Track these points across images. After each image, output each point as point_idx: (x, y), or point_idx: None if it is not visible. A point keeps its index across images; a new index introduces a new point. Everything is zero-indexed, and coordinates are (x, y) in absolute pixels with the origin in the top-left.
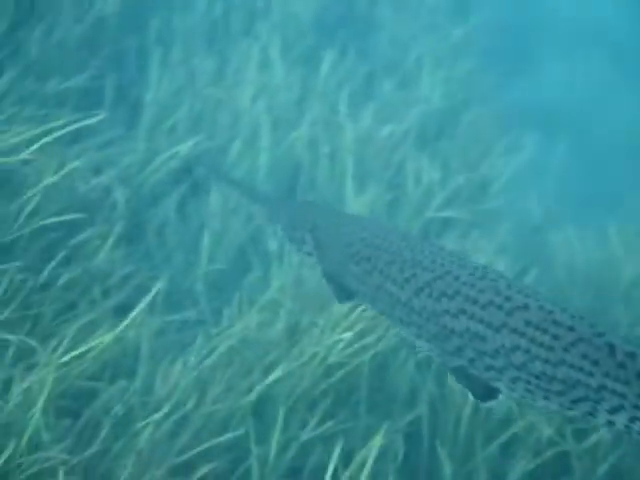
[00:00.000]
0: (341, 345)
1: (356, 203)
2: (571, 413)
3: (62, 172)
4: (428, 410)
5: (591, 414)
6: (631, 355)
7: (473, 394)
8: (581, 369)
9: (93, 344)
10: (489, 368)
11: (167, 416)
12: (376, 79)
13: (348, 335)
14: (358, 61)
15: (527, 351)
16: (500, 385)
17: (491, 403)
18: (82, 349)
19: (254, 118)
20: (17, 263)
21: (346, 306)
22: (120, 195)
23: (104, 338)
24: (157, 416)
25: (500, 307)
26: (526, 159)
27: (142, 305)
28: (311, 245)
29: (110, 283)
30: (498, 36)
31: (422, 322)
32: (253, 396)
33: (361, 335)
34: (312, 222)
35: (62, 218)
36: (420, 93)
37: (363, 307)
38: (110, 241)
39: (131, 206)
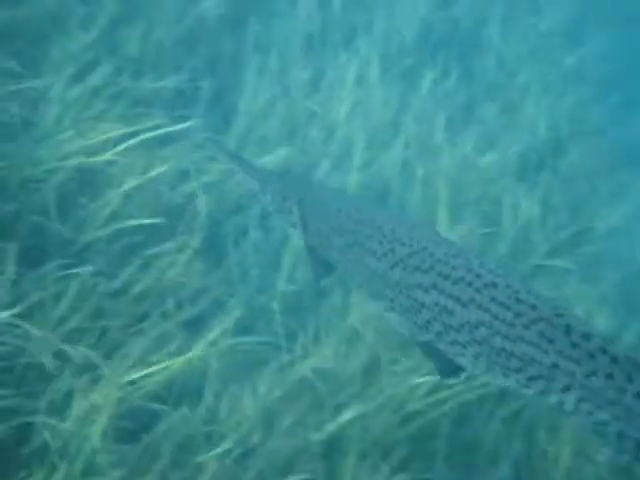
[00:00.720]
0: (422, 390)
1: (449, 233)
2: (527, 391)
3: (147, 175)
4: (512, 471)
5: (544, 393)
6: (586, 336)
7: (438, 369)
8: (538, 346)
9: (162, 366)
10: (454, 342)
11: (231, 450)
12: (477, 103)
13: (430, 380)
14: (460, 83)
15: (490, 327)
16: (463, 360)
17: (452, 380)
18: (150, 370)
19: (347, 135)
20: (90, 267)
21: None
22: (203, 204)
23: (174, 361)
24: (220, 449)
25: (470, 284)
26: (636, 202)
27: (218, 330)
28: (297, 216)
29: (184, 295)
30: (614, 66)
31: (395, 295)
32: (323, 435)
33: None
34: (300, 194)
35: (141, 222)
36: (524, 121)
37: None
38: (188, 252)
39: (213, 215)
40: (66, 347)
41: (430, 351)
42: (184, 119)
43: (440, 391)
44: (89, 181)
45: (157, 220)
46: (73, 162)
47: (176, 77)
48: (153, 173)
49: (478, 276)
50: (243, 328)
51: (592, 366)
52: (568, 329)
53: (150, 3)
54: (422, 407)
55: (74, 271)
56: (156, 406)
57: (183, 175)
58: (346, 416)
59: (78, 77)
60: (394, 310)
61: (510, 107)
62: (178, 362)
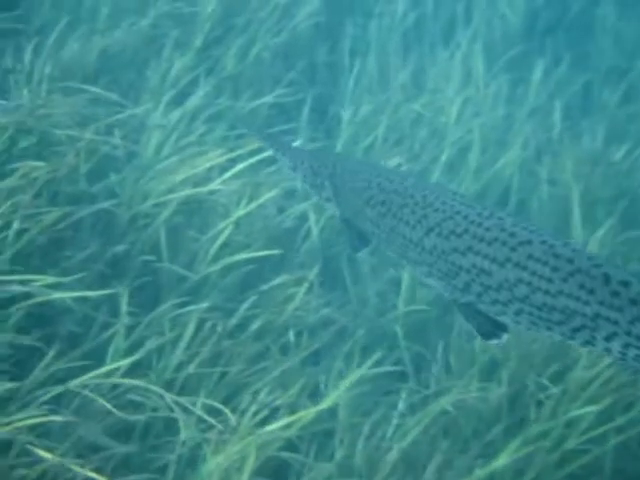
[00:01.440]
0: (581, 425)
1: (584, 237)
2: (573, 342)
3: (256, 202)
4: None
5: (589, 342)
6: (625, 283)
7: (479, 331)
8: (578, 299)
9: (294, 418)
10: (495, 302)
11: None
12: (595, 90)
13: (591, 410)
14: (574, 70)
15: (529, 284)
16: (506, 319)
17: (494, 341)
18: (282, 422)
19: (459, 137)
20: (206, 304)
21: (587, 372)
22: (314, 226)
23: (305, 413)
24: None
25: (504, 243)
26: None
27: (347, 382)
28: (330, 191)
29: (303, 327)
30: None
31: (433, 260)
32: None
33: (608, 411)
34: (331, 169)
35: (255, 254)
36: None
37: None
38: (306, 283)
39: (324, 236)
40: (186, 398)
41: (471, 313)
42: (287, 135)
43: (603, 424)
44: (197, 211)
45: (271, 252)
46: (180, 194)
47: (276, 91)
48: (261, 199)
49: (512, 235)
50: (366, 352)
51: (635, 312)
52: (607, 278)
53: (244, 19)
54: (583, 444)
55: (189, 309)
56: (289, 455)
57: (290, 195)
58: (498, 459)
59: (177, 100)
60: (432, 275)
61: (633, 92)
62: (310, 414)
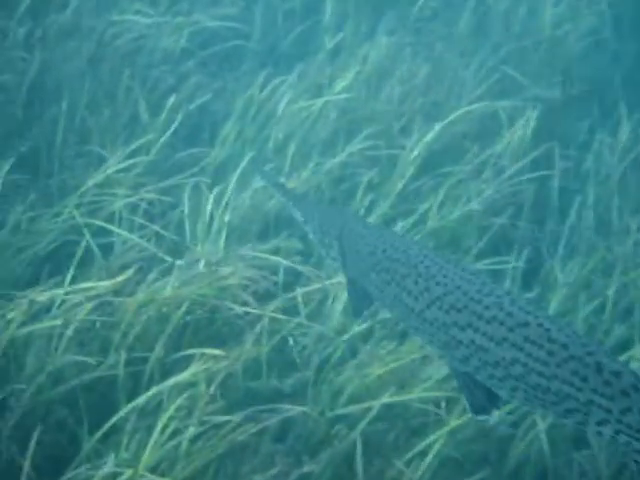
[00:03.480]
0: None
1: None
2: (566, 421)
3: None
4: None
5: (582, 424)
6: (617, 373)
7: (471, 404)
8: (572, 384)
9: None
10: (491, 377)
11: None
12: None
13: None
14: None
15: (525, 365)
16: (502, 392)
17: (483, 417)
18: None
19: None
20: None
21: None
22: None
23: None
24: None
25: (502, 323)
26: None
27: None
28: (336, 251)
29: None
30: None
31: (434, 331)
32: None
33: None
34: (340, 229)
35: None
36: None
37: None
38: None
39: None
40: None
41: (468, 383)
42: None
43: None
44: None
45: None
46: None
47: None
48: None
49: (510, 315)
50: None
51: (627, 403)
52: (599, 367)
53: (450, 169)
54: None
55: None
56: None
57: None
58: None
59: None
60: (433, 344)
61: None
62: None
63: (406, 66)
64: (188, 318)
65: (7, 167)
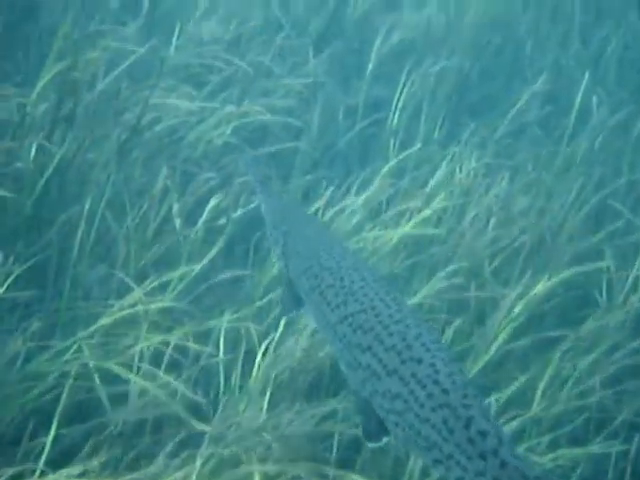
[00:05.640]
0: None
1: None
2: (437, 473)
3: None
4: None
5: (443, 478)
6: (483, 434)
7: (364, 430)
8: (439, 432)
9: None
10: (380, 406)
11: None
12: None
13: None
14: None
15: (405, 402)
16: (389, 425)
17: (374, 445)
18: None
19: None
20: None
21: None
22: None
23: None
24: None
25: (399, 353)
26: None
27: None
28: (280, 248)
29: None
30: None
31: (342, 348)
32: None
33: None
34: (287, 226)
35: None
36: None
37: None
38: None
39: None
40: None
41: (365, 407)
42: None
43: None
44: None
45: None
46: None
47: None
48: None
49: (408, 347)
50: None
51: (482, 466)
52: (469, 423)
53: None
54: None
55: None
56: None
57: None
58: None
59: None
60: (342, 361)
61: None
62: None
63: (497, 191)
64: None
65: (8, 280)
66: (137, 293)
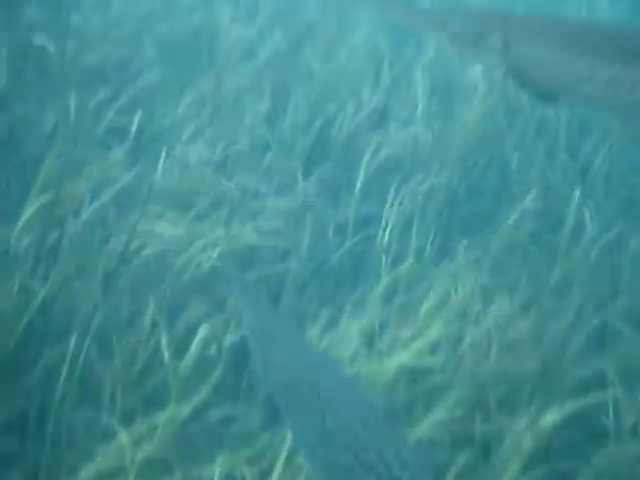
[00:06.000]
0: None
1: None
2: None
3: None
4: None
5: None
6: None
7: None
8: None
9: None
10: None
11: None
12: None
13: None
14: None
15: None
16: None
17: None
18: None
19: None
20: None
21: None
22: None
23: None
24: None
25: (379, 476)
26: None
27: None
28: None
29: None
30: None
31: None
32: None
33: None
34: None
35: None
36: None
37: None
38: None
39: None
40: None
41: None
42: None
43: None
44: None
45: None
46: None
47: None
48: None
49: (388, 468)
50: None
51: None
52: None
53: None
54: None
55: None
56: None
57: None
58: None
59: None
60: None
61: None
62: None
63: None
64: None
65: None
66: (123, 439)
